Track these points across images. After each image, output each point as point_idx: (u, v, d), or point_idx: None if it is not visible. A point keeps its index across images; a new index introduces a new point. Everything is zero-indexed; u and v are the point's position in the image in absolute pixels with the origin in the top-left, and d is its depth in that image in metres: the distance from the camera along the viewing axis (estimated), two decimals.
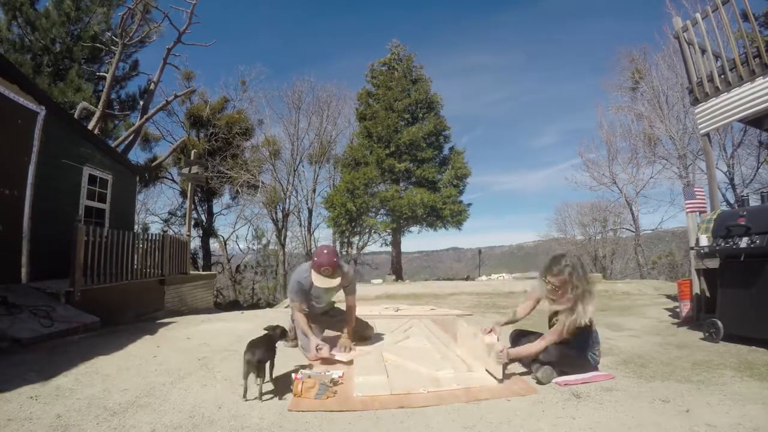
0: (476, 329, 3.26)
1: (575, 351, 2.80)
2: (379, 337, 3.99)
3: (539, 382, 2.65)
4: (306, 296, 3.50)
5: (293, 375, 2.63)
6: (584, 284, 2.72)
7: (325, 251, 3.28)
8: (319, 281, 3.28)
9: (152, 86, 15.68)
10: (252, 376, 2.43)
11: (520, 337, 3.14)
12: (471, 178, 18.87)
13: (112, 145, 12.28)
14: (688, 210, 5.01)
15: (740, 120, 5.01)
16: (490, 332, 2.98)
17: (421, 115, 18.38)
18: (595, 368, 2.88)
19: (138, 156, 20.22)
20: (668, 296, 8.13)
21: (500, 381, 2.66)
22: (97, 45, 14.85)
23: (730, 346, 3.56)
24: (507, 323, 3.23)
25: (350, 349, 3.40)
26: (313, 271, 3.30)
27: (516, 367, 3.00)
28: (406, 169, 17.96)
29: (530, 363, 2.84)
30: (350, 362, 3.10)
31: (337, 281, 3.31)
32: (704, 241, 4.11)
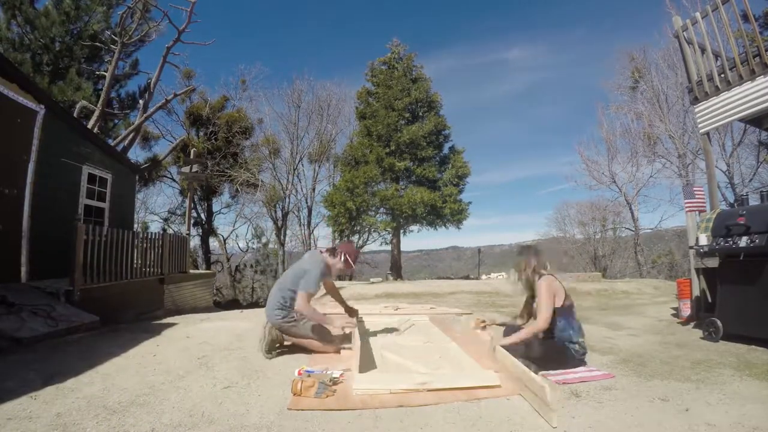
0: (474, 323, 3.42)
1: (553, 342, 2.89)
2: (378, 337, 3.99)
3: None
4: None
5: (296, 372, 2.64)
6: (540, 260, 3.06)
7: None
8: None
9: (152, 85, 15.66)
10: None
11: (510, 331, 3.17)
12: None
13: (112, 144, 12.28)
14: (687, 209, 5.02)
15: (740, 119, 5.00)
16: (482, 323, 3.41)
17: (421, 114, 18.35)
18: (580, 362, 2.92)
19: (137, 155, 20.25)
20: (668, 295, 8.14)
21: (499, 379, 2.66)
22: (97, 44, 14.83)
23: (730, 346, 3.57)
24: (502, 324, 3.38)
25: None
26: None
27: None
28: (406, 167, 17.91)
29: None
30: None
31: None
32: (704, 240, 4.11)
